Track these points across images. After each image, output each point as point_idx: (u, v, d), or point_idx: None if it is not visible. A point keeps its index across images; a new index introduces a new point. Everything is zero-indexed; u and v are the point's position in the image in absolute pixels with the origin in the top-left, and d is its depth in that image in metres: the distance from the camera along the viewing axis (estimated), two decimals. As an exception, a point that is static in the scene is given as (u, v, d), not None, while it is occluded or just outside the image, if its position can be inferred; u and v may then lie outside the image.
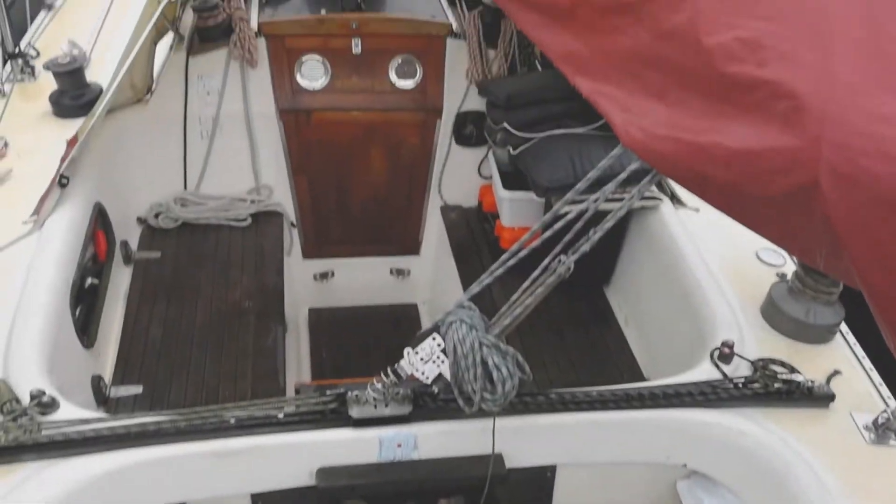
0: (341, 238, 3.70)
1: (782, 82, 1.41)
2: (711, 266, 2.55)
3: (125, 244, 3.13)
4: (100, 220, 2.92)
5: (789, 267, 2.56)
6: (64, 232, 2.58)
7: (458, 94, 3.47)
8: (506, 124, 3.04)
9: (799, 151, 1.34)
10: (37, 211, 2.57)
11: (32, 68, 3.55)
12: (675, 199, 2.93)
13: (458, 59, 3.44)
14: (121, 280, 3.04)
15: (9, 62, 3.48)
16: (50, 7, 4.11)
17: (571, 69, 2.21)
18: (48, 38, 3.82)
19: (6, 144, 3.04)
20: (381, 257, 3.75)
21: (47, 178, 2.68)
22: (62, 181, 2.67)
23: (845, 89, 1.34)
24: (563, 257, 1.80)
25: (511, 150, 3.07)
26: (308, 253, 3.67)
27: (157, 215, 3.34)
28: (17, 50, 3.47)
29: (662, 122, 1.72)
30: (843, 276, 1.39)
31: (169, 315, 2.95)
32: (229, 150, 3.41)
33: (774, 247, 2.74)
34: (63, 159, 2.71)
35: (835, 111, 1.32)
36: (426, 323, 3.75)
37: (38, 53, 3.64)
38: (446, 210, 3.64)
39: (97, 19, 3.95)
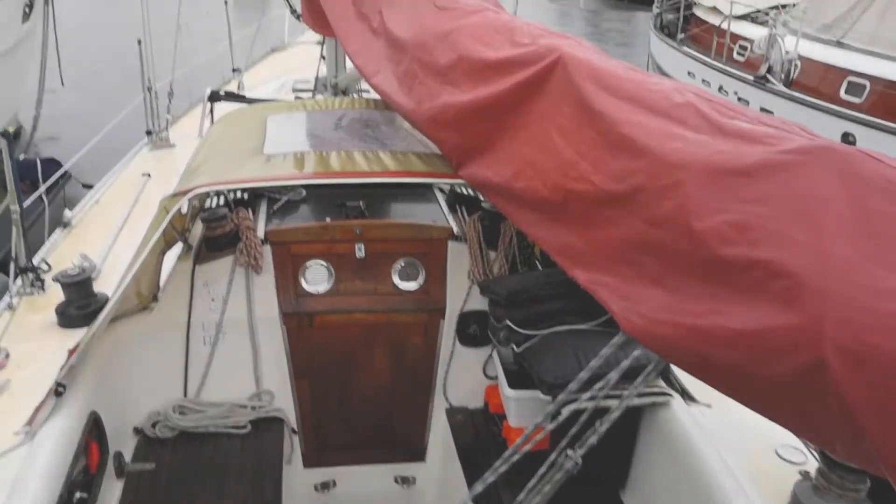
0: (343, 444, 3.57)
1: (776, 261, 1.40)
2: (731, 466, 2.43)
3: (119, 455, 3.02)
4: (94, 430, 2.84)
5: (811, 464, 2.43)
6: (55, 443, 2.50)
7: (461, 294, 3.50)
8: (508, 322, 3.03)
9: (802, 330, 1.31)
10: (30, 421, 2.51)
11: (42, 282, 3.63)
12: (685, 395, 2.85)
13: (459, 261, 3.51)
14: (111, 494, 2.90)
15: (19, 276, 3.56)
16: (66, 224, 4.28)
17: (568, 262, 2.23)
18: (62, 253, 3.94)
19: (7, 356, 3.03)
20: (385, 465, 3.60)
21: (45, 387, 2.64)
22: (58, 390, 2.63)
23: (842, 265, 1.33)
24: (569, 452, 1.70)
25: (515, 347, 3.04)
26: (309, 461, 3.53)
27: (154, 425, 3.25)
28: (29, 265, 3.56)
29: (662, 307, 1.70)
30: (866, 464, 1.31)
31: None
32: (231, 355, 3.39)
33: (794, 443, 2.63)
34: (62, 368, 2.68)
35: (834, 288, 1.31)
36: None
37: (50, 267, 3.74)
38: (452, 412, 3.55)
39: (111, 235, 4.10)
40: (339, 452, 3.58)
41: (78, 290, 3.28)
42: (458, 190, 3.95)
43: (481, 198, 3.98)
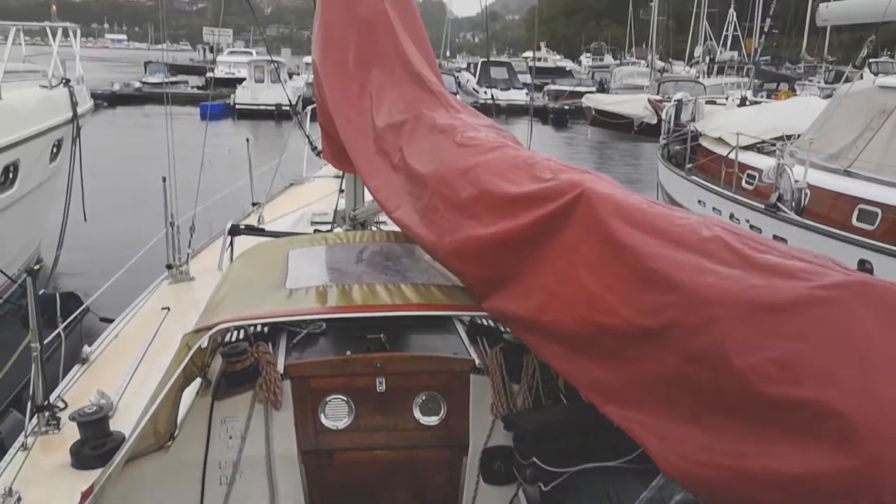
0: None
1: (824, 401, 1.36)
2: None
3: None
4: None
5: None
6: None
7: (484, 429, 3.41)
8: (535, 459, 2.94)
9: (858, 474, 1.25)
10: None
11: (58, 420, 3.57)
12: None
13: (482, 395, 3.44)
14: None
15: (35, 415, 3.51)
16: (84, 361, 4.26)
17: (600, 397, 2.18)
18: (79, 391, 3.90)
19: (19, 500, 2.95)
20: None
21: None
22: None
23: (893, 406, 1.29)
24: None
25: (543, 486, 2.93)
26: None
27: (165, 572, 3.11)
28: (45, 403, 3.52)
29: (702, 447, 1.64)
30: None
31: None
32: (248, 496, 3.27)
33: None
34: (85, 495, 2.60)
35: (888, 429, 1.26)
36: None
37: (66, 405, 3.69)
38: None
39: (129, 371, 4.06)
40: None
41: (93, 429, 3.22)
42: (479, 321, 3.93)
43: (502, 329, 3.96)
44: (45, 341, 3.78)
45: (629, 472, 2.84)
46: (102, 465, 3.15)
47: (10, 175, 8.08)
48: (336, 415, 3.37)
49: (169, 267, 5.67)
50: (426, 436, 3.37)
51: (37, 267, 3.57)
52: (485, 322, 3.93)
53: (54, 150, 9.40)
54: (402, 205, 3.49)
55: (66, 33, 9.73)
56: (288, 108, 36.00)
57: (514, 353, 3.50)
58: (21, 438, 3.46)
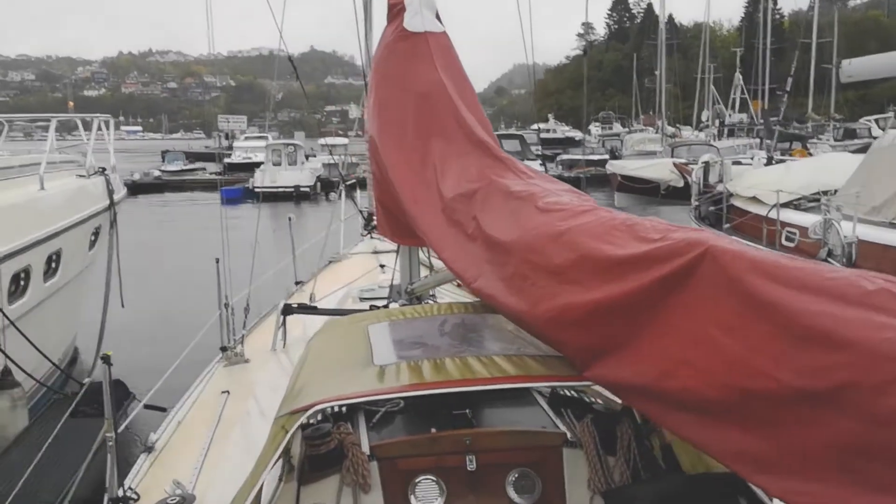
0: None
1: None
2: None
3: None
4: None
5: None
6: None
7: None
8: (653, 537, 2.77)
9: None
10: None
11: (135, 510, 3.43)
12: None
13: (577, 469, 3.27)
14: None
15: None
16: (150, 449, 4.14)
17: (749, 468, 2.03)
18: (150, 481, 3.76)
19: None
20: None
21: None
22: None
23: None
24: None
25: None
26: None
27: None
28: (120, 496, 3.39)
29: None
30: None
31: None
32: None
33: None
34: None
35: None
36: None
37: (139, 497, 3.56)
38: None
39: (198, 458, 3.93)
40: None
41: (180, 525, 3.08)
42: (561, 392, 3.79)
43: (588, 399, 3.81)
44: (120, 429, 3.66)
45: None
46: None
47: (54, 264, 8.10)
48: (427, 497, 3.20)
49: (223, 349, 5.58)
50: None
51: (109, 353, 3.48)
52: (567, 392, 3.79)
53: (92, 237, 9.45)
54: (482, 274, 3.40)
55: (100, 126, 9.89)
56: (307, 189, 36.65)
57: (605, 423, 3.35)
58: None
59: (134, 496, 3.51)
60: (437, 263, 5.88)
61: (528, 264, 2.99)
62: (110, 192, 9.59)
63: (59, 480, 5.89)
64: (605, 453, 3.28)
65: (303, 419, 2.67)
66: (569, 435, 3.37)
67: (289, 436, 2.62)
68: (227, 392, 4.84)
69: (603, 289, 2.54)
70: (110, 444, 3.37)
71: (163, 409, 5.36)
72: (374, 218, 9.89)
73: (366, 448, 3.27)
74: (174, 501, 3.09)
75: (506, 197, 3.50)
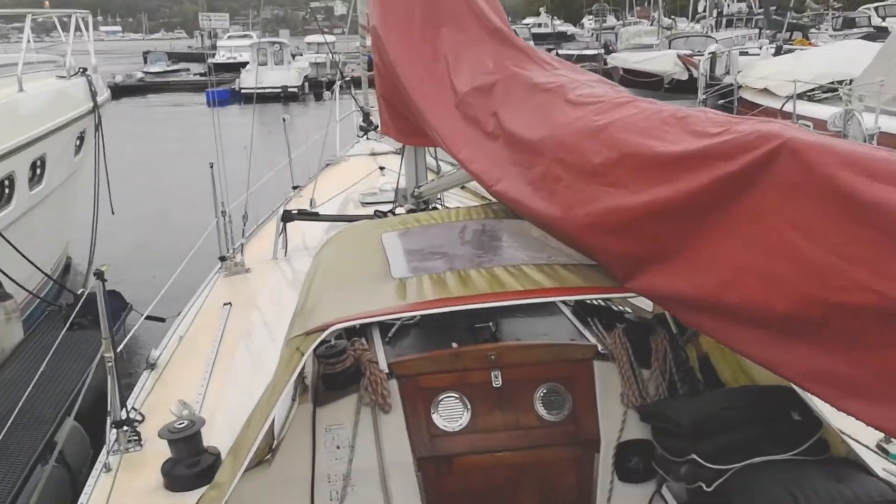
0: None
1: None
2: None
3: None
4: None
5: None
6: None
7: (616, 422, 3.05)
8: (694, 456, 2.58)
9: None
10: None
11: (139, 435, 3.25)
12: None
13: (609, 384, 3.08)
14: None
15: (116, 432, 3.19)
16: (152, 366, 3.94)
17: (832, 391, 1.80)
18: (154, 400, 3.58)
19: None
20: None
21: None
22: None
23: None
24: None
25: (705, 486, 2.58)
26: None
27: None
28: (125, 418, 3.20)
29: None
30: None
31: None
32: None
33: None
34: None
35: None
36: None
37: (143, 418, 3.37)
38: None
39: (202, 375, 3.73)
40: None
41: (187, 447, 2.90)
42: (587, 301, 3.57)
43: (615, 307, 3.59)
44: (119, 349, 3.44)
45: (808, 466, 2.49)
46: (200, 486, 2.83)
47: (38, 170, 7.73)
48: (451, 415, 3.02)
49: (222, 259, 5.32)
50: (552, 433, 3.02)
51: (104, 268, 3.22)
52: (594, 302, 3.57)
53: (77, 142, 9.03)
54: (505, 176, 3.11)
55: (79, 24, 9.29)
56: (294, 89, 35.68)
57: (638, 333, 3.14)
58: (102, 458, 3.13)
59: (138, 418, 3.32)
60: (445, 166, 5.57)
61: (560, 165, 2.70)
62: (93, 94, 9.10)
63: (60, 395, 5.73)
64: (638, 365, 3.09)
65: (319, 340, 2.43)
66: (599, 347, 3.17)
67: (305, 359, 2.39)
68: (230, 304, 4.61)
69: (652, 191, 2.26)
70: (109, 364, 3.15)
71: (162, 320, 5.16)
72: (374, 117, 9.55)
73: (384, 365, 3.06)
74: (182, 426, 2.89)
75: (529, 90, 3.17)
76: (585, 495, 3.04)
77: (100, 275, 3.14)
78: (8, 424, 5.36)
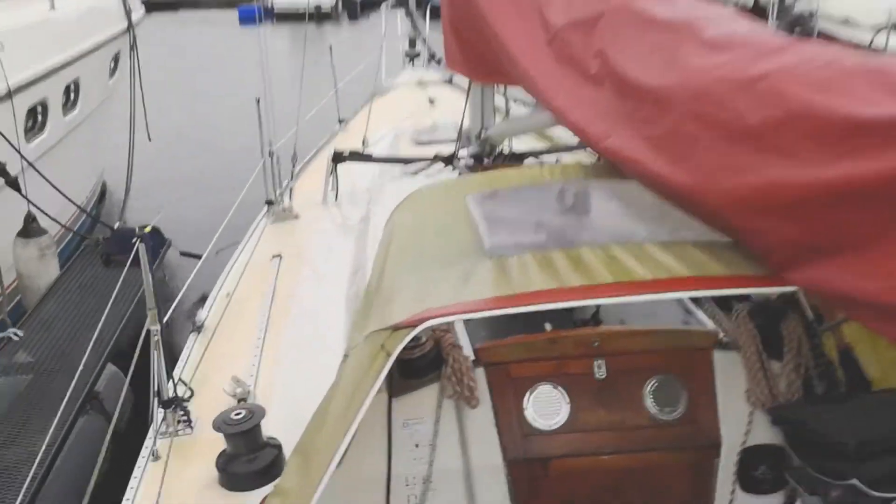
0: None
1: None
2: None
3: None
4: None
5: None
6: None
7: (740, 423, 2.62)
8: (856, 481, 2.15)
9: None
10: None
11: (188, 416, 2.89)
12: None
13: (732, 378, 2.64)
14: None
15: (164, 412, 2.84)
16: (199, 328, 3.56)
17: None
18: (203, 373, 3.21)
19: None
20: None
21: None
22: None
23: None
24: None
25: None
26: None
27: None
28: (175, 397, 2.83)
29: None
30: None
31: None
32: None
33: None
34: None
35: None
36: None
37: (192, 393, 3.01)
38: None
39: (255, 345, 3.36)
40: None
41: (245, 442, 2.53)
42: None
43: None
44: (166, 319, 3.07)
45: None
46: (260, 485, 2.47)
47: (72, 95, 7.29)
48: (547, 410, 2.61)
49: (269, 203, 4.89)
50: (664, 434, 2.61)
51: (148, 229, 2.82)
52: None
53: (112, 64, 8.56)
54: (615, 131, 2.60)
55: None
56: (328, 9, 34.62)
57: (767, 318, 2.67)
58: (149, 444, 2.79)
59: (187, 394, 2.95)
60: (514, 106, 5.03)
61: (697, 122, 2.19)
62: (128, 12, 8.56)
63: (99, 339, 5.42)
64: (768, 357, 2.63)
65: (410, 338, 2.00)
66: (721, 334, 2.72)
67: (391, 360, 1.97)
68: (279, 256, 4.21)
69: (838, 165, 1.76)
70: (156, 338, 2.77)
71: (198, 257, 4.79)
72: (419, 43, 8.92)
73: (468, 351, 2.64)
74: (240, 417, 2.51)
75: (646, 26, 2.63)
76: (702, 503, 2.65)
77: (143, 237, 2.73)
78: (48, 372, 5.13)
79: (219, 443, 2.64)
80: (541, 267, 2.19)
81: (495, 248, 2.33)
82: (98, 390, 4.94)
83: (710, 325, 2.80)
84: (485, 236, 2.43)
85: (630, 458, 2.60)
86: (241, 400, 2.82)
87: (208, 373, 3.18)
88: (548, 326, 2.78)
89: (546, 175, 3.04)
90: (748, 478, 2.62)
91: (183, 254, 6.82)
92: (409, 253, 2.56)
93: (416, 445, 2.55)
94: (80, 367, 5.09)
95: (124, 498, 2.60)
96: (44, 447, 4.28)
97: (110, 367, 5.19)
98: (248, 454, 2.51)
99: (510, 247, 2.33)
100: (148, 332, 2.77)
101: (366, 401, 1.97)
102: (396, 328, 2.01)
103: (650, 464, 2.60)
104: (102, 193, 9.55)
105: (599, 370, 2.62)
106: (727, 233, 2.20)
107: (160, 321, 2.81)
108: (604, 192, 2.76)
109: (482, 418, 2.59)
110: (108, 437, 4.71)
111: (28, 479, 3.98)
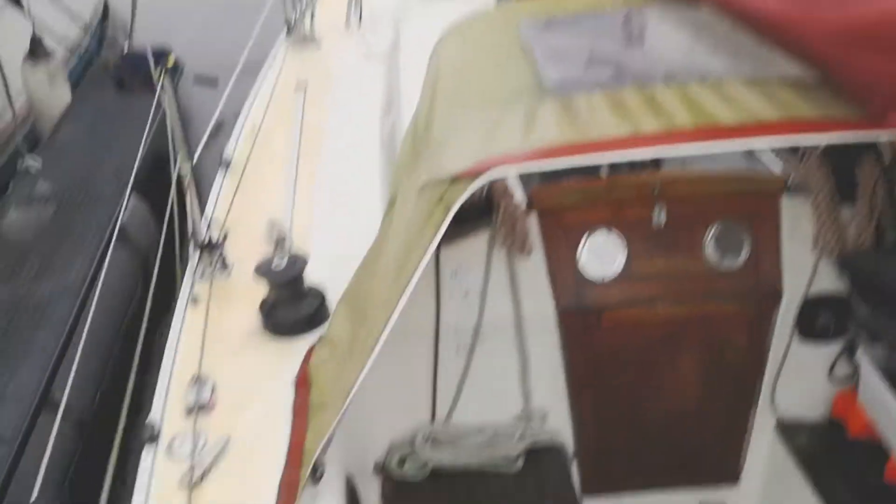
0: (631, 468, 2.74)
1: None
2: None
3: None
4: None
5: None
6: None
7: (804, 271, 2.50)
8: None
9: None
10: None
11: (224, 259, 2.79)
12: None
13: (798, 223, 2.49)
14: None
15: (200, 255, 2.73)
16: (227, 164, 3.39)
17: None
18: (235, 215, 3.07)
19: (214, 388, 2.23)
20: (684, 489, 2.76)
21: (276, 442, 1.85)
22: (319, 473, 1.83)
23: None
24: None
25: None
26: (588, 487, 2.71)
27: (401, 461, 2.46)
28: (212, 240, 2.71)
29: None
30: None
31: None
32: (492, 367, 2.53)
33: None
34: (298, 431, 1.89)
35: None
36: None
37: (226, 235, 2.88)
38: (782, 427, 2.64)
39: (287, 182, 3.21)
40: (625, 477, 2.75)
41: (289, 290, 2.43)
42: None
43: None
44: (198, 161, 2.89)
45: None
46: (304, 332, 2.41)
47: None
48: (602, 257, 2.48)
49: (288, 26, 4.55)
50: (724, 284, 2.49)
51: (170, 60, 2.58)
52: None
53: None
54: None
55: None
56: None
57: (841, 161, 2.47)
58: (185, 290, 2.70)
59: (221, 237, 2.84)
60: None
61: None
62: None
63: (119, 167, 5.29)
64: (840, 203, 2.47)
65: (472, 190, 1.82)
66: (789, 178, 2.53)
67: (451, 214, 1.81)
68: (303, 88, 3.95)
69: None
70: (187, 177, 2.60)
71: (214, 84, 4.55)
72: None
73: (520, 196, 2.48)
74: (283, 263, 2.39)
75: None
76: (758, 356, 2.58)
77: (162, 62, 2.50)
78: (71, 204, 5.03)
79: (258, 287, 2.55)
80: (612, 108, 1.97)
81: (559, 85, 2.10)
82: (124, 223, 4.86)
83: (776, 167, 2.61)
84: (545, 72, 2.18)
85: (686, 308, 2.50)
86: (279, 243, 2.71)
87: (241, 212, 3.05)
88: (604, 169, 2.60)
89: (606, 0, 2.72)
90: (808, 326, 2.53)
91: (197, 79, 6.51)
92: (460, 92, 2.32)
93: (466, 295, 2.46)
94: (104, 199, 5.04)
95: (167, 343, 2.55)
96: (78, 282, 4.27)
97: (133, 199, 5.09)
98: (293, 301, 2.43)
99: (576, 84, 2.09)
100: (178, 171, 2.60)
101: (424, 258, 1.83)
102: (456, 179, 1.84)
103: (707, 314, 2.51)
104: (105, 13, 9.04)
105: (659, 216, 2.47)
106: (822, 70, 1.96)
107: (191, 160, 2.64)
108: (673, 20, 2.47)
109: (534, 267, 2.47)
110: (140, 272, 4.73)
111: (65, 314, 4.00)
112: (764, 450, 2.67)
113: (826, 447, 2.54)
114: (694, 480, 2.75)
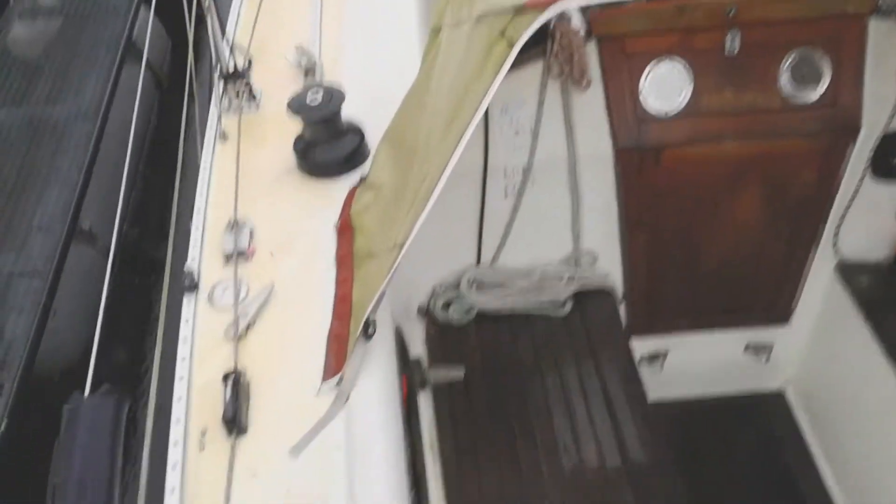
0: (680, 310, 2.67)
1: None
2: None
3: (417, 365, 2.21)
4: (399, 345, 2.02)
5: None
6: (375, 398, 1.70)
7: (886, 104, 2.27)
8: None
9: None
10: (332, 373, 1.67)
11: (251, 89, 2.59)
12: None
13: (884, 51, 2.24)
14: (424, 423, 2.15)
15: (225, 85, 2.52)
16: (242, -16, 3.08)
17: None
18: (257, 38, 2.83)
19: (252, 234, 2.11)
20: (734, 330, 2.70)
21: (322, 304, 1.76)
22: (370, 330, 1.75)
23: None
24: None
25: None
26: (636, 329, 2.66)
27: (446, 305, 2.39)
28: (237, 69, 2.50)
29: None
30: None
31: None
32: (542, 208, 2.39)
33: None
34: (344, 282, 1.79)
35: None
36: (798, 415, 2.75)
37: (251, 63, 2.66)
38: (844, 267, 2.53)
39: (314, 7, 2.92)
40: (673, 319, 2.69)
41: (327, 128, 2.25)
42: None
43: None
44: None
45: None
46: (342, 173, 2.26)
47: None
48: (667, 92, 2.26)
49: None
50: (798, 118, 2.28)
51: None
52: None
53: None
54: None
55: None
56: None
57: None
58: (212, 124, 2.51)
59: (245, 63, 2.61)
60: None
61: None
62: None
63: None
64: None
65: (539, 25, 1.59)
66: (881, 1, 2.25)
67: (516, 51, 1.59)
68: None
69: None
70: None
71: None
72: None
73: (578, 22, 2.22)
74: (318, 98, 2.18)
75: None
76: (825, 193, 2.41)
77: None
78: (78, 16, 4.70)
79: (290, 122, 2.37)
80: None
81: None
82: (135, 39, 4.56)
83: None
84: None
85: (755, 145, 2.31)
86: (308, 72, 2.49)
87: (264, 36, 2.80)
88: None
89: None
90: (883, 164, 2.35)
91: None
92: None
93: (516, 133, 2.27)
94: (113, 10, 4.70)
95: (199, 178, 2.41)
96: (94, 105, 4.07)
97: (143, 12, 4.75)
98: (330, 139, 2.25)
99: None
100: None
101: (484, 99, 1.64)
102: (521, 9, 1.60)
103: (776, 151, 2.32)
104: None
105: (732, 43, 2.22)
106: None
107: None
108: None
109: (591, 101, 2.26)
110: (155, 94, 4.50)
111: (84, 139, 3.84)
112: (820, 291, 2.58)
113: (889, 288, 2.44)
114: (743, 322, 2.69)
